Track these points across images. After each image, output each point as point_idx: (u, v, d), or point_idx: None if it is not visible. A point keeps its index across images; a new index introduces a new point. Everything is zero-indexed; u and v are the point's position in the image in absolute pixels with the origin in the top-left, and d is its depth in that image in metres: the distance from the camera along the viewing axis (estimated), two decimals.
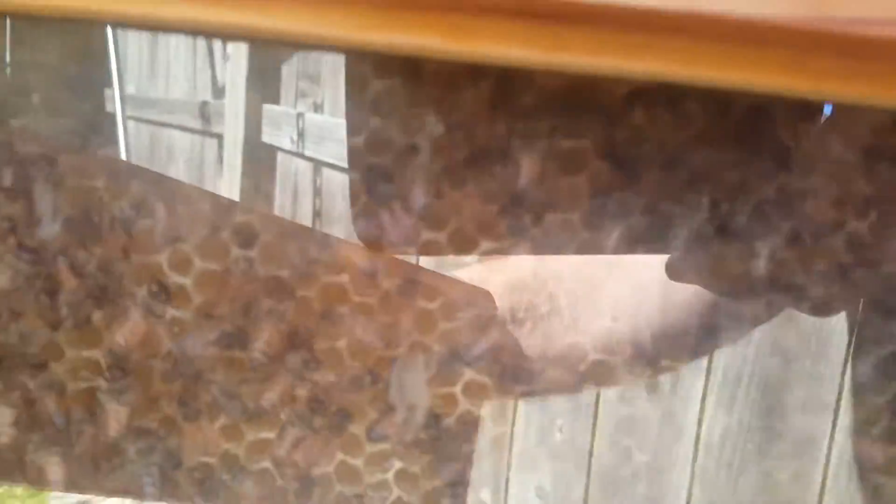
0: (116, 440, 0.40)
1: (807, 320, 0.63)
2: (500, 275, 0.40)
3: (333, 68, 1.12)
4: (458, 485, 0.42)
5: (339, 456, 0.40)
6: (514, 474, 0.88)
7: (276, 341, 0.34)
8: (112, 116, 1.34)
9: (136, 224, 0.34)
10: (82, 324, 0.39)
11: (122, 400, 0.36)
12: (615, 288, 0.43)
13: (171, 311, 0.32)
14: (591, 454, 0.80)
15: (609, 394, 0.77)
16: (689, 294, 0.36)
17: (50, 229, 0.33)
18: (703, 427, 0.77)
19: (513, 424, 0.83)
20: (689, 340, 0.37)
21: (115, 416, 0.41)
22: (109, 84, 1.33)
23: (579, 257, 0.39)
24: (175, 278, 0.33)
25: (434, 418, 0.44)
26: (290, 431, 0.39)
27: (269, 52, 1.24)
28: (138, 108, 1.50)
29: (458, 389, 0.45)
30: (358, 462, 0.39)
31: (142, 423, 0.37)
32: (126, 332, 0.40)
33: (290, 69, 1.24)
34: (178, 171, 1.44)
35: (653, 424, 0.75)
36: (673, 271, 0.38)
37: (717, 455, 0.76)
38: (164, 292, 0.35)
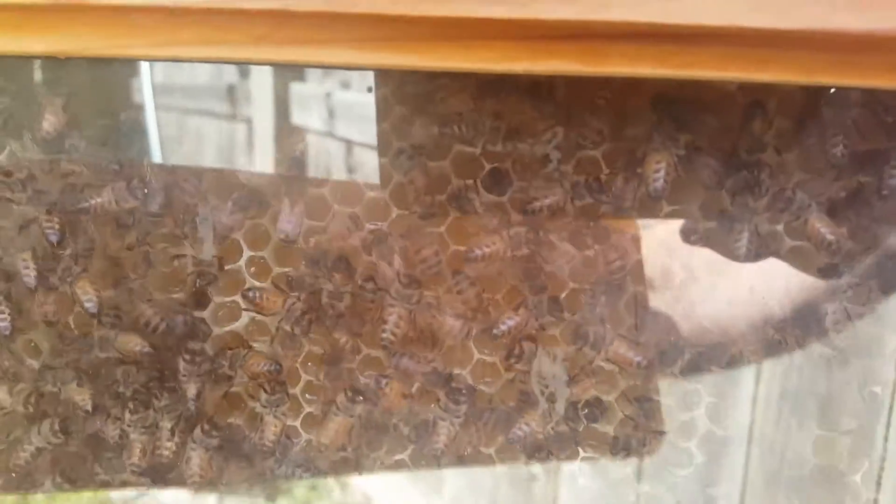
0: None
1: None
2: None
3: None
4: None
5: None
6: None
7: None
8: (141, 107, 1.38)
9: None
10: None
11: None
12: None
13: None
14: None
15: None
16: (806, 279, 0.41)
17: None
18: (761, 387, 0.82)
19: None
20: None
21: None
22: (137, 74, 1.35)
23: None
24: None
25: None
26: None
27: None
28: (166, 96, 1.52)
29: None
30: None
31: None
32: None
33: None
34: (210, 157, 1.47)
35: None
36: (685, 235, 0.48)
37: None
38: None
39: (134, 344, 0.64)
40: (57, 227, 0.61)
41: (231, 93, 1.43)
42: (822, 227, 0.54)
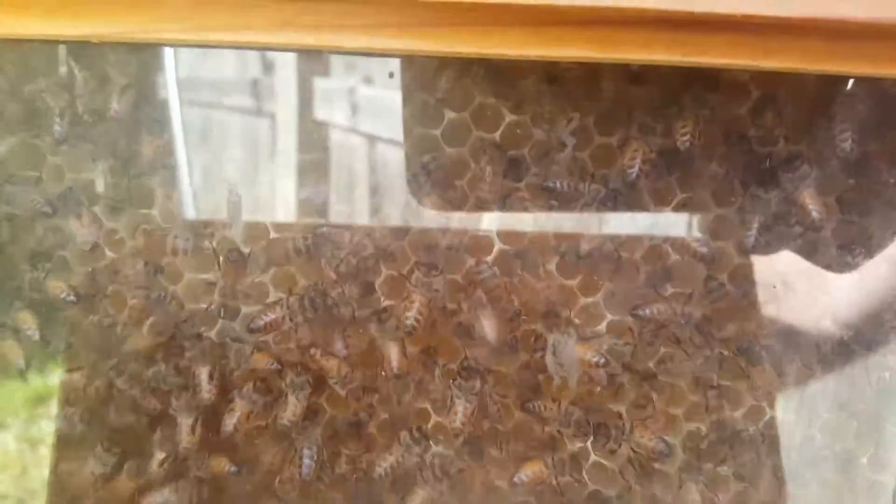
0: None
1: None
2: None
3: None
4: None
5: None
6: None
7: None
8: (165, 103, 1.40)
9: None
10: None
11: None
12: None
13: None
14: None
15: None
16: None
17: None
18: None
19: None
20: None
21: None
22: (161, 68, 1.38)
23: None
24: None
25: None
26: None
27: None
28: (190, 91, 1.55)
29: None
30: None
31: None
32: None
33: None
34: (234, 153, 1.49)
35: None
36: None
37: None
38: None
39: None
40: None
41: (255, 87, 1.46)
42: (811, 203, 0.55)
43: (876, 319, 0.65)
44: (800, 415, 0.75)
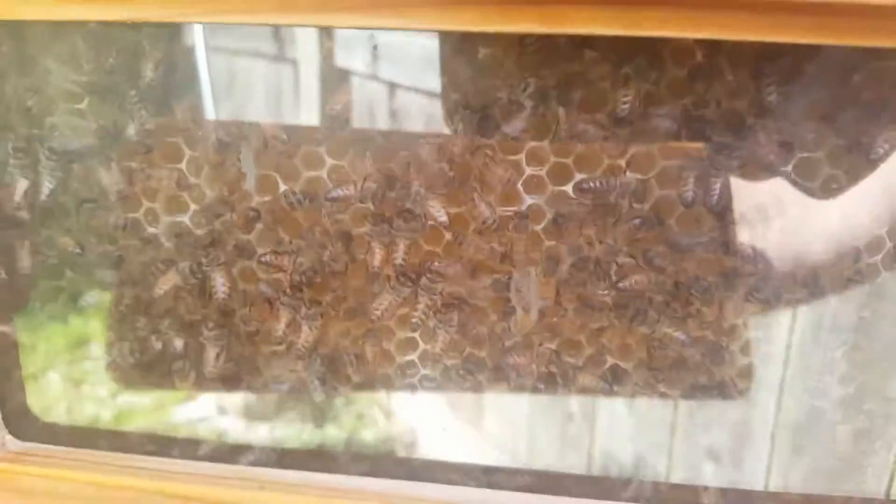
0: None
1: None
2: None
3: None
4: None
5: None
6: None
7: None
8: (192, 49, 1.45)
9: None
10: None
11: None
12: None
13: None
14: None
15: None
16: None
17: None
18: None
19: None
20: None
21: None
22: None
23: None
24: None
25: None
26: None
27: None
28: (215, 37, 1.60)
29: None
30: None
31: None
32: None
33: None
34: (258, 99, 1.55)
35: None
36: None
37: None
38: None
39: None
40: None
41: (276, 34, 1.50)
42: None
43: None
44: None
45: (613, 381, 0.77)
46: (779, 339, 0.89)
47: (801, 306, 0.82)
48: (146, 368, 0.81)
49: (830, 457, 0.82)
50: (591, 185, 0.69)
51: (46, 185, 0.74)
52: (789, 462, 0.95)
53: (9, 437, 0.68)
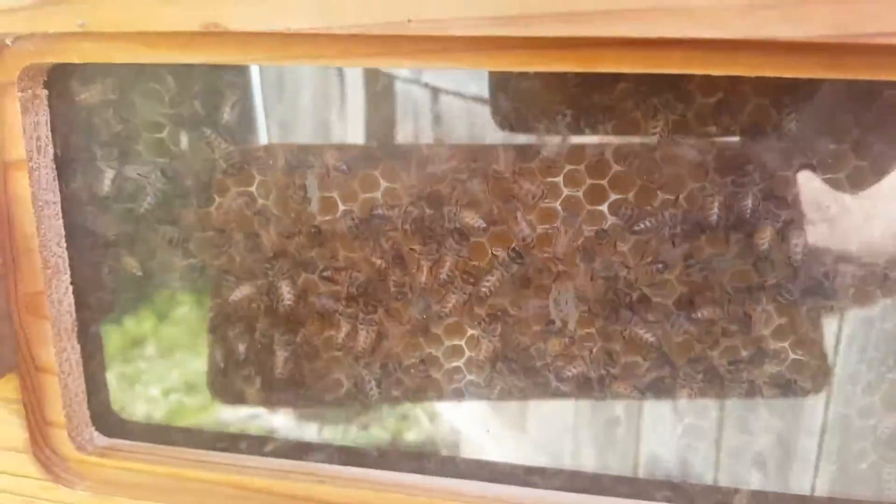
0: None
1: None
2: None
3: None
4: None
5: None
6: None
7: None
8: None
9: None
10: None
11: None
12: None
13: None
14: None
15: None
16: None
17: None
18: None
19: None
20: None
21: None
22: None
23: None
24: None
25: None
26: None
27: None
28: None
29: None
30: None
31: None
32: None
33: None
34: (306, 104, 1.60)
35: None
36: None
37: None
38: None
39: None
40: None
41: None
42: None
43: None
44: None
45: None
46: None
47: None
48: (244, 382, 0.89)
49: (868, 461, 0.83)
50: (645, 224, 0.74)
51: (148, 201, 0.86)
52: (836, 467, 0.96)
53: (96, 434, 0.75)
